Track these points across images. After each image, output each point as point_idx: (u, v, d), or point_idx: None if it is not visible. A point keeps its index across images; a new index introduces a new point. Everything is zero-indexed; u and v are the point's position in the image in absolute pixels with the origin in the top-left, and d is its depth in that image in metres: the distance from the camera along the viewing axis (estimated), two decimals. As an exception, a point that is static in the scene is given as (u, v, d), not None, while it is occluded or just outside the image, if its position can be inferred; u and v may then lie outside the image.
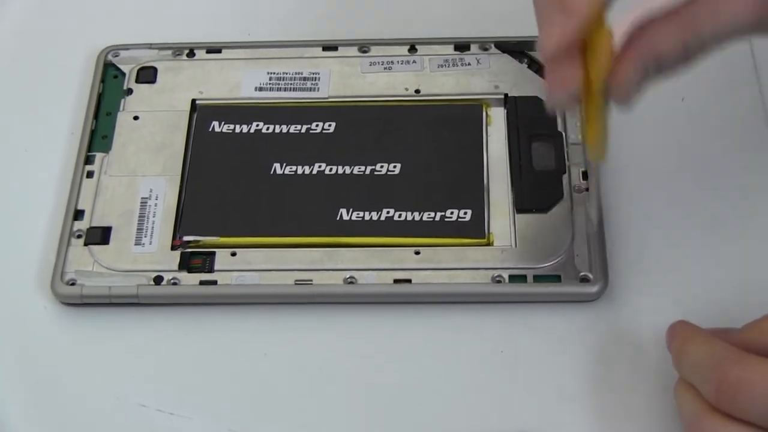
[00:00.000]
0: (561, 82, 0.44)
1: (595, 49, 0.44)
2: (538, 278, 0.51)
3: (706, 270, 0.52)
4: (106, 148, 0.56)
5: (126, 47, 0.59)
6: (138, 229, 0.53)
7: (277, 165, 0.55)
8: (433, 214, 0.53)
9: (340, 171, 0.54)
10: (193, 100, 0.57)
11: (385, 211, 0.53)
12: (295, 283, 0.51)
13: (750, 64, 0.58)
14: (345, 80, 0.58)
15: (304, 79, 0.58)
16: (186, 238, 0.53)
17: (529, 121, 0.55)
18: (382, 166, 0.54)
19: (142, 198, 0.54)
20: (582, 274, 0.51)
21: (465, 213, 0.53)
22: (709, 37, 0.44)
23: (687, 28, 0.44)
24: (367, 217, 0.53)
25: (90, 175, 0.55)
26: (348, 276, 0.51)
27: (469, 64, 0.58)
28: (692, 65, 0.45)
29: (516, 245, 0.52)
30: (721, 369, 0.42)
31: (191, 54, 0.59)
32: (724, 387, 0.42)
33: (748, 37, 0.45)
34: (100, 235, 0.53)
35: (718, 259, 0.52)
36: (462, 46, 0.58)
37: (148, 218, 0.53)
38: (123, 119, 0.57)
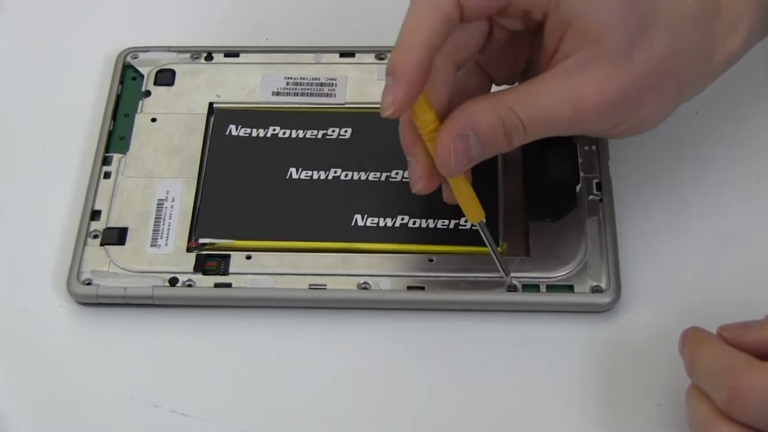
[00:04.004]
0: (417, 178, 0.49)
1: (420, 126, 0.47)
2: (551, 288, 0.51)
3: (718, 281, 0.52)
4: (124, 149, 0.56)
5: (145, 49, 0.60)
6: (154, 230, 0.53)
7: (293, 170, 0.55)
8: (447, 222, 0.53)
9: (356, 177, 0.55)
10: (211, 104, 0.58)
11: (399, 217, 0.53)
12: (309, 288, 0.52)
13: (765, 78, 0.58)
14: (361, 87, 0.58)
15: (321, 84, 0.58)
16: (201, 241, 0.53)
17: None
18: (397, 173, 0.55)
19: (158, 200, 0.54)
20: (595, 284, 0.51)
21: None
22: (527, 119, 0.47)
23: (500, 102, 0.47)
24: (381, 224, 0.53)
25: (107, 175, 0.55)
26: (362, 282, 0.52)
27: (486, 73, 0.58)
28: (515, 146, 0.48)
29: (529, 254, 0.52)
30: (734, 376, 0.42)
31: (209, 57, 0.59)
32: (735, 394, 0.42)
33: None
34: (117, 236, 0.53)
35: (730, 271, 0.52)
36: (478, 55, 0.59)
37: (164, 220, 0.54)
38: (141, 121, 0.57)
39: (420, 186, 0.49)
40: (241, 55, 0.59)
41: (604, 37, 0.46)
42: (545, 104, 0.47)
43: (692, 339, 0.46)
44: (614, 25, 0.46)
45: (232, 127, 0.57)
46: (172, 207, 0.54)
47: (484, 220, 0.50)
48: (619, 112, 0.48)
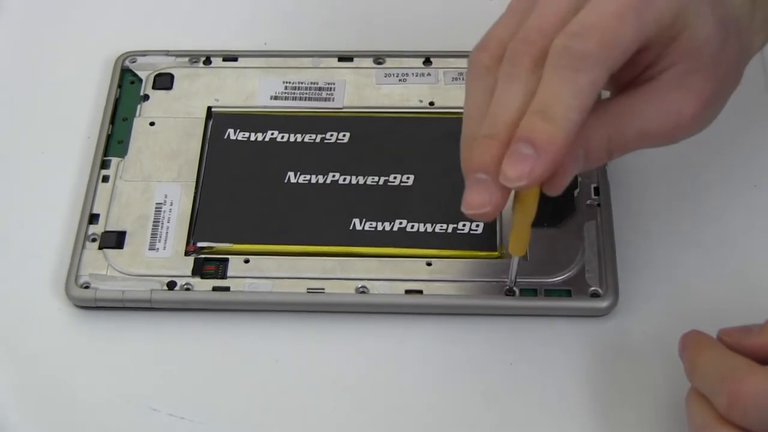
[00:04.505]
0: (484, 205, 0.44)
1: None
2: (549, 292, 0.51)
3: (715, 286, 0.52)
4: (122, 153, 0.56)
5: (143, 53, 0.60)
6: (152, 234, 0.53)
7: (291, 174, 0.55)
8: (445, 226, 0.53)
9: (354, 181, 0.55)
10: (209, 108, 0.58)
11: (397, 221, 0.53)
12: (308, 292, 0.52)
13: (763, 84, 0.58)
14: (360, 91, 0.58)
15: (320, 89, 0.58)
16: (200, 244, 0.53)
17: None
18: (395, 177, 0.55)
19: (156, 203, 0.54)
20: (592, 289, 0.51)
21: (477, 225, 0.53)
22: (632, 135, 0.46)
23: (608, 122, 0.45)
24: (379, 228, 0.53)
25: (105, 179, 0.55)
26: (360, 286, 0.52)
27: (484, 77, 0.58)
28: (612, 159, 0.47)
29: (527, 259, 0.52)
30: (734, 381, 0.42)
31: (208, 61, 0.59)
32: (736, 399, 0.42)
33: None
34: (115, 240, 0.53)
35: (728, 275, 0.52)
36: (476, 60, 0.59)
37: (162, 224, 0.54)
38: (139, 125, 0.57)
39: (488, 210, 0.44)
40: (240, 59, 0.60)
41: (702, 49, 0.45)
42: (649, 120, 0.46)
43: (692, 343, 0.46)
44: (711, 37, 0.45)
45: (231, 131, 0.57)
46: (170, 211, 0.54)
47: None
48: (705, 121, 0.47)
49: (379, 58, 0.59)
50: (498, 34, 0.46)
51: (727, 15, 0.46)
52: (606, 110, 0.46)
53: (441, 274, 0.52)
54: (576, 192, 0.54)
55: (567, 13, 0.44)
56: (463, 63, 0.58)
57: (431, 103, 0.57)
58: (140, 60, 0.60)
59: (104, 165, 0.56)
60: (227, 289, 0.52)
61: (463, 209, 0.45)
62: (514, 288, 0.51)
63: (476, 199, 0.44)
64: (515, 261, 0.50)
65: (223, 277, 0.52)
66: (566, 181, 0.45)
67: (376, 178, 0.55)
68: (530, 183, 0.43)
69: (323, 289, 0.52)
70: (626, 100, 0.46)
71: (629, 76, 0.47)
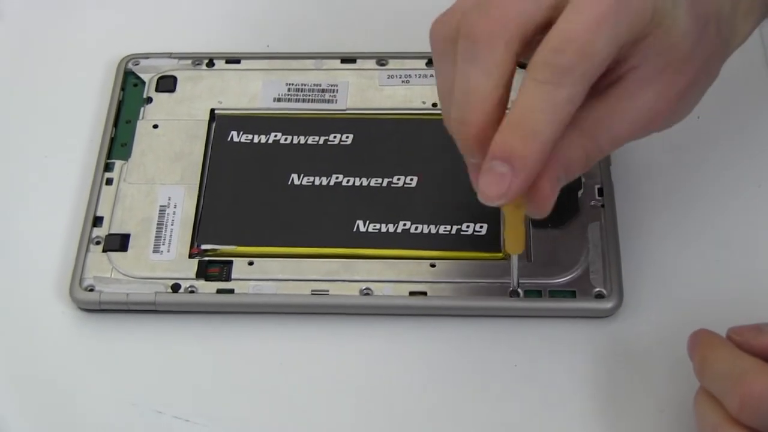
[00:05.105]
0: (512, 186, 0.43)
1: None
2: (553, 293, 0.51)
3: (720, 286, 0.52)
4: (126, 155, 0.56)
5: (146, 56, 0.60)
6: (156, 236, 0.54)
7: (294, 176, 0.55)
8: (449, 228, 0.53)
9: (357, 183, 0.55)
10: (212, 110, 0.58)
11: (401, 223, 0.53)
12: (312, 294, 0.52)
13: (767, 83, 0.58)
14: (363, 93, 0.58)
15: (323, 90, 0.58)
16: (204, 247, 0.53)
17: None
18: (399, 179, 0.55)
19: (160, 206, 0.54)
20: (597, 290, 0.51)
21: (481, 227, 0.53)
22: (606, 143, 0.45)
23: (583, 135, 0.44)
24: (383, 229, 0.53)
25: (109, 182, 0.55)
26: (364, 287, 0.52)
27: (487, 79, 0.58)
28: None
29: (531, 260, 0.52)
30: (745, 382, 0.42)
31: (211, 64, 0.60)
32: (747, 401, 0.42)
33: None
34: (119, 242, 0.53)
35: (734, 275, 0.52)
36: (479, 61, 0.59)
37: (166, 226, 0.54)
38: (142, 127, 0.57)
39: (511, 194, 0.43)
40: (243, 61, 0.60)
41: (676, 46, 0.44)
42: (623, 124, 0.45)
43: (702, 342, 0.46)
44: (686, 33, 0.44)
45: (234, 133, 0.57)
46: (174, 213, 0.54)
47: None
48: (678, 116, 0.47)
49: (381, 60, 0.59)
50: (462, 5, 0.45)
51: (706, 9, 0.45)
52: (579, 121, 0.44)
53: (445, 276, 0.52)
54: (580, 193, 0.54)
55: None
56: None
57: (434, 105, 0.57)
58: (143, 63, 0.60)
59: (108, 168, 0.56)
60: (231, 291, 0.52)
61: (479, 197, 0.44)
62: (518, 289, 0.51)
63: (491, 187, 0.43)
64: (515, 260, 0.50)
65: (227, 279, 0.52)
66: (549, 205, 0.44)
67: (380, 180, 0.55)
68: (508, 200, 0.43)
69: (327, 291, 0.52)
70: (598, 109, 0.45)
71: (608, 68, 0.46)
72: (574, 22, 0.42)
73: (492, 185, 0.42)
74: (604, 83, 0.45)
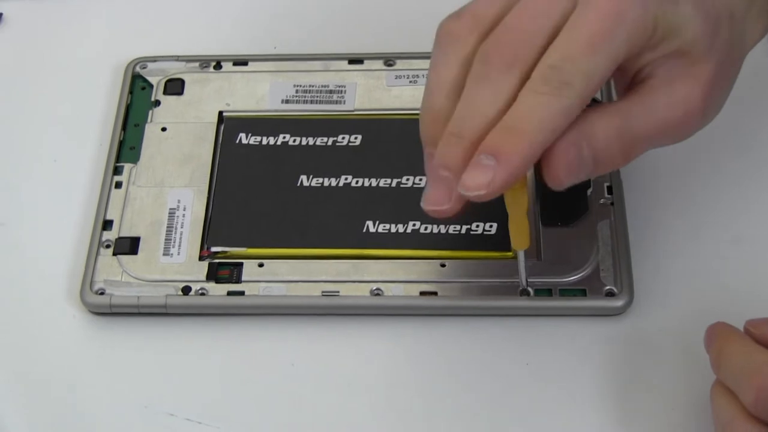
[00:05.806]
0: (442, 202, 0.45)
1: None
2: (563, 292, 0.51)
3: (730, 284, 0.52)
4: (135, 159, 0.56)
5: (154, 59, 0.60)
6: (166, 239, 0.54)
7: (303, 177, 0.55)
8: (458, 227, 0.53)
9: (367, 183, 0.55)
10: (220, 112, 0.58)
11: (411, 223, 0.53)
12: (322, 295, 0.52)
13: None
14: (370, 93, 0.58)
15: (330, 92, 0.58)
16: (214, 249, 0.53)
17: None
18: (408, 179, 0.55)
19: (170, 209, 0.54)
20: (607, 288, 0.51)
21: (491, 226, 0.53)
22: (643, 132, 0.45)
23: (618, 116, 0.45)
24: (393, 230, 0.53)
25: (118, 185, 0.55)
26: (374, 288, 0.52)
27: (494, 78, 0.58)
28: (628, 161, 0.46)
29: (541, 259, 0.52)
30: (762, 376, 0.42)
31: (218, 66, 0.60)
32: (763, 393, 0.42)
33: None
34: (129, 245, 0.53)
35: (743, 273, 0.52)
36: (487, 61, 0.59)
37: (176, 229, 0.54)
38: (151, 130, 0.57)
39: (446, 208, 0.44)
40: (250, 63, 0.60)
41: (691, 50, 0.45)
42: (658, 110, 0.45)
43: (719, 335, 0.45)
44: (698, 36, 0.45)
45: (242, 135, 0.57)
46: (183, 216, 0.54)
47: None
48: (715, 106, 0.47)
49: (389, 60, 0.59)
50: (475, 9, 0.45)
51: (717, 9, 0.46)
52: (612, 107, 0.45)
53: (455, 276, 0.52)
54: (589, 191, 0.54)
55: (546, 19, 0.44)
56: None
57: (442, 105, 0.57)
58: (151, 66, 0.60)
59: (117, 171, 0.56)
60: (242, 293, 0.52)
61: (423, 204, 0.45)
62: (528, 288, 0.51)
63: (437, 196, 0.44)
64: (521, 256, 0.50)
65: (238, 281, 0.52)
66: (564, 171, 0.44)
67: (389, 180, 0.55)
68: (489, 194, 0.43)
69: (338, 292, 0.52)
70: (632, 96, 0.46)
71: (629, 78, 0.47)
72: (572, 40, 0.43)
73: (475, 175, 0.43)
74: (636, 80, 0.46)
